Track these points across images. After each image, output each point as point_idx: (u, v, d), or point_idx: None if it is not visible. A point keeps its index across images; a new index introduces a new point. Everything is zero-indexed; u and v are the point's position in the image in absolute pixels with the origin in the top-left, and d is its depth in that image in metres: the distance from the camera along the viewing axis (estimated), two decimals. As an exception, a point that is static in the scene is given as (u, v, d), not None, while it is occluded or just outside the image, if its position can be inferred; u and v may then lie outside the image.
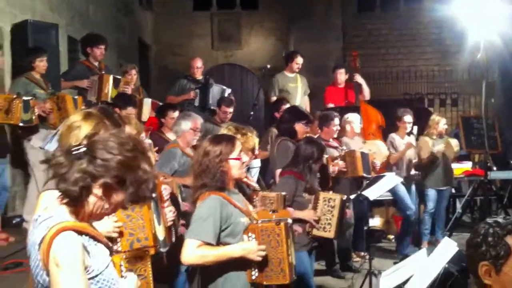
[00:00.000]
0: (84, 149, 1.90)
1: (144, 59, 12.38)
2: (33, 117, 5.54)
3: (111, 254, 2.06)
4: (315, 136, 5.87)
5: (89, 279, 1.87)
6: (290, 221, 3.25)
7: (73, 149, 1.91)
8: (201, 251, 2.95)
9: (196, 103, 7.69)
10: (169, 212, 3.56)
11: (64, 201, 1.91)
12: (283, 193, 4.03)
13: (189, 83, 7.86)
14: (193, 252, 2.95)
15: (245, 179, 4.05)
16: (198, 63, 8.00)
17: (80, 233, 1.89)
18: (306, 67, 8.41)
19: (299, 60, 8.15)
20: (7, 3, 6.68)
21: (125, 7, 11.45)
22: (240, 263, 3.03)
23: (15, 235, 5.08)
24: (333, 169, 5.69)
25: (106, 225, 3.01)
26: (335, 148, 6.28)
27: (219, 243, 3.01)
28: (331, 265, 6.36)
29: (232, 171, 3.14)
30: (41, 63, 5.97)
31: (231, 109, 6.96)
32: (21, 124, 5.43)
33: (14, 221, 5.98)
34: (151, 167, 1.99)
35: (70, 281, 1.80)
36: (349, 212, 5.18)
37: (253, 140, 4.02)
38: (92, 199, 1.92)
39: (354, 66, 8.36)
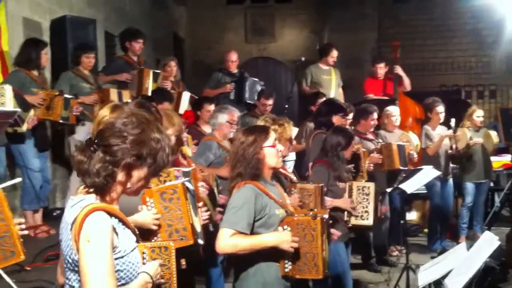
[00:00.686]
0: (95, 141, 1.97)
1: (179, 53, 12.47)
2: (71, 116, 5.67)
3: (137, 241, 2.13)
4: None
5: (115, 259, 1.94)
6: (326, 217, 3.23)
7: (86, 144, 1.99)
8: (234, 240, 2.97)
9: (232, 96, 7.72)
10: (204, 213, 3.59)
11: (91, 190, 1.99)
12: (321, 184, 4.03)
13: (224, 76, 7.89)
14: (227, 241, 2.98)
15: (282, 170, 4.06)
16: (233, 57, 8.02)
17: (110, 214, 1.96)
18: (339, 58, 8.34)
19: (335, 53, 8.10)
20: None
21: (160, 1, 11.57)
22: (273, 255, 3.05)
23: (56, 227, 5.19)
24: (369, 163, 5.64)
25: (146, 218, 3.07)
26: (371, 141, 6.24)
27: (252, 233, 3.03)
28: (367, 259, 6.33)
29: (267, 159, 3.15)
30: (87, 60, 6.14)
31: (270, 101, 6.98)
32: (60, 121, 5.56)
33: (54, 214, 6.13)
34: (162, 133, 2.07)
35: (98, 257, 1.86)
36: (384, 207, 5.14)
37: (290, 130, 4.03)
38: (117, 183, 2.01)
39: (394, 57, 8.22)
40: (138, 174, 2.02)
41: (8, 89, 4.82)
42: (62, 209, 6.16)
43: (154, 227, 3.07)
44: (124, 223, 2.05)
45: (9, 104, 4.76)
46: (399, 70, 8.02)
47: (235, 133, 5.17)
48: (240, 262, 3.12)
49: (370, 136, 6.33)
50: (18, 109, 4.69)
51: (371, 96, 7.97)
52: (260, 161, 3.12)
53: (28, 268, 4.21)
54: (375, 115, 6.25)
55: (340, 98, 7.87)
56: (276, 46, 14.00)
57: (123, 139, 1.96)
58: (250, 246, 2.99)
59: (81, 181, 2.03)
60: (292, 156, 6.69)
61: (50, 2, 6.87)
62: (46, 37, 6.60)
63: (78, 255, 1.89)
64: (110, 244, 1.90)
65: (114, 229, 1.95)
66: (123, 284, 1.97)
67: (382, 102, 7.33)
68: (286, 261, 3.06)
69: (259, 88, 7.79)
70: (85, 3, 7.90)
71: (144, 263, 2.14)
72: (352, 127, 6.10)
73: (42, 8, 6.71)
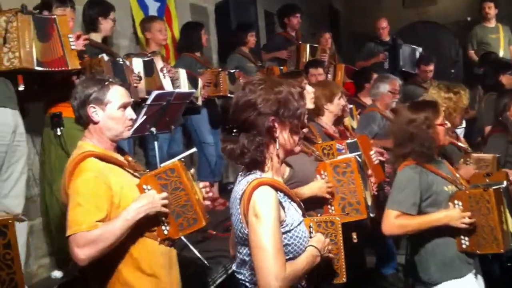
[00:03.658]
0: (231, 125, 2.00)
1: (335, 25, 12.39)
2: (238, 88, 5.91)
3: (303, 215, 2.13)
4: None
5: (283, 233, 1.95)
6: (504, 184, 3.03)
7: (226, 134, 2.02)
8: (401, 221, 2.91)
9: (386, 65, 7.53)
10: (372, 184, 3.58)
11: (251, 167, 2.02)
12: (497, 155, 3.80)
13: (377, 46, 7.72)
14: (393, 222, 2.92)
15: (454, 141, 3.90)
16: (383, 24, 7.81)
17: (276, 188, 1.98)
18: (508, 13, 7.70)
19: (492, 10, 7.49)
20: (210, -16, 7.19)
21: (314, -26, 11.53)
22: (448, 231, 2.92)
23: (231, 200, 5.52)
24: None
25: (321, 186, 3.16)
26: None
27: (421, 213, 2.94)
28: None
29: (439, 137, 3.03)
30: (252, 38, 6.44)
31: (431, 67, 6.71)
32: (229, 95, 5.75)
33: (229, 188, 6.50)
34: (282, 84, 2.02)
35: (267, 232, 1.88)
36: None
37: (466, 98, 3.79)
38: (270, 152, 2.02)
39: None
40: (283, 130, 2.00)
41: (182, 73, 5.18)
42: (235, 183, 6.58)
43: (328, 196, 3.16)
44: (290, 197, 2.07)
45: (184, 86, 5.14)
46: None
47: (398, 107, 5.04)
48: (415, 237, 3.04)
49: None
50: (194, 90, 5.04)
51: None
52: (433, 140, 2.98)
53: (213, 232, 4.49)
54: None
55: (512, 56, 7.30)
56: (436, 8, 13.24)
57: (252, 108, 1.96)
58: (418, 226, 2.91)
59: None
60: (462, 123, 6.38)
61: (214, -13, 7.23)
62: (211, 21, 6.98)
63: (247, 229, 1.94)
64: (278, 218, 1.92)
65: (280, 203, 1.97)
66: (290, 258, 1.98)
67: None
68: (462, 237, 2.92)
69: (418, 55, 7.49)
70: (245, -16, 8.15)
71: (311, 237, 2.13)
72: None
73: (207, -7, 7.08)
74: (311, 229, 2.19)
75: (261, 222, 1.89)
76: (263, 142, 1.98)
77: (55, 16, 3.48)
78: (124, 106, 2.55)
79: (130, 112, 2.58)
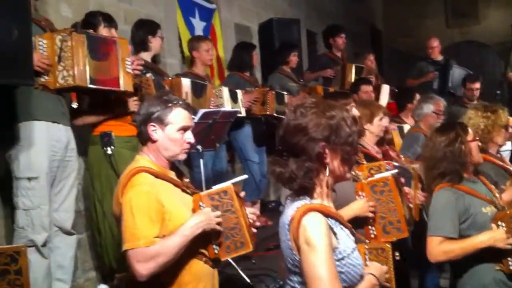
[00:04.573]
0: (281, 148, 1.95)
1: (376, 44, 12.37)
2: (284, 109, 5.94)
3: (355, 242, 2.05)
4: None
5: (336, 261, 1.88)
6: None
7: (276, 156, 1.97)
8: (445, 246, 2.86)
9: (435, 85, 7.45)
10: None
11: (300, 192, 1.97)
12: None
13: (428, 64, 7.65)
14: (437, 249, 2.87)
15: (500, 162, 3.83)
16: (434, 43, 7.74)
17: (326, 214, 1.92)
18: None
19: None
20: (253, 4, 7.31)
21: (357, -6, 11.60)
22: (488, 254, 2.85)
23: (272, 219, 5.51)
24: None
25: (363, 206, 3.14)
26: None
27: (462, 236, 2.88)
28: None
29: (472, 153, 2.99)
30: (294, 58, 6.46)
31: (477, 85, 6.60)
32: (275, 114, 5.78)
33: (270, 206, 6.53)
34: (335, 108, 1.96)
35: (321, 260, 1.82)
36: None
37: (505, 116, 3.70)
38: (320, 178, 1.95)
39: None
40: (333, 157, 1.93)
41: (225, 91, 5.25)
42: (276, 202, 6.59)
43: (371, 214, 3.14)
44: (341, 222, 2.00)
45: (227, 105, 5.20)
46: None
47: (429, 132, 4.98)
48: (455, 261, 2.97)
49: None
50: (239, 109, 5.09)
51: None
52: (466, 157, 2.95)
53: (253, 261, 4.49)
54: None
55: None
56: (480, 28, 13.08)
57: (302, 133, 1.90)
58: (462, 250, 2.85)
59: None
60: (507, 145, 6.25)
61: (257, 7, 7.35)
62: (255, 40, 7.07)
63: (298, 255, 1.89)
64: (329, 244, 1.86)
65: (331, 229, 1.91)
66: (345, 287, 1.91)
67: None
68: (509, 258, 2.85)
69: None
70: (287, 4, 8.27)
71: (366, 265, 2.08)
72: None
73: (251, 13, 7.20)
74: (366, 256, 2.16)
75: (313, 250, 1.83)
76: (312, 168, 1.91)
77: (116, 39, 3.58)
78: (184, 129, 2.60)
79: (189, 136, 2.62)
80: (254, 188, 5.75)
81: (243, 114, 5.41)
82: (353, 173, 3.32)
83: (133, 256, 2.33)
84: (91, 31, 3.62)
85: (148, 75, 4.16)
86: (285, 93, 5.96)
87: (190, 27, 6.03)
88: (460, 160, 2.94)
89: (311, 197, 1.96)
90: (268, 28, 7.07)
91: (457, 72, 7.43)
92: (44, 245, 3.30)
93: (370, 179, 3.23)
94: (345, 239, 1.97)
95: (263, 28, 7.18)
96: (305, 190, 1.95)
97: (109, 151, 3.71)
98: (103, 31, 3.86)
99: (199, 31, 6.09)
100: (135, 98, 3.89)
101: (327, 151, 1.91)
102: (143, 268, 2.32)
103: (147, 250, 2.32)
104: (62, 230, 3.53)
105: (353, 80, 6.62)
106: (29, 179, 3.26)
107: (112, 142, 3.73)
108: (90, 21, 3.89)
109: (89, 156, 3.93)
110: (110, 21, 3.96)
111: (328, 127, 1.91)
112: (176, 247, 2.36)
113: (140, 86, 3.93)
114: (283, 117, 6.08)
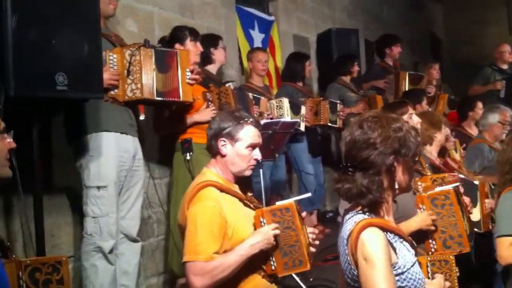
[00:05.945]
0: (348, 164, 1.94)
1: (436, 53, 12.16)
2: (338, 120, 5.94)
3: (416, 255, 2.03)
4: None
5: (396, 275, 1.87)
6: None
7: (341, 172, 1.97)
8: None
9: (502, 94, 7.21)
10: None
11: (365, 209, 1.96)
12: None
13: (494, 72, 7.42)
14: (507, 251, 2.83)
15: None
16: (505, 47, 7.48)
17: (384, 229, 1.90)
18: None
19: None
20: (312, 15, 7.34)
21: (417, 2, 11.43)
22: None
23: (330, 228, 5.51)
24: None
25: (425, 219, 3.09)
26: None
27: None
28: None
29: None
30: (356, 68, 6.45)
31: None
32: (329, 124, 5.81)
33: (327, 216, 6.53)
34: (398, 120, 1.98)
35: (380, 276, 1.81)
36: None
37: None
38: (386, 191, 1.95)
39: None
40: (401, 170, 1.95)
41: (286, 102, 5.29)
42: (333, 211, 6.57)
43: (433, 227, 3.09)
44: (401, 236, 1.99)
45: (287, 115, 5.24)
46: None
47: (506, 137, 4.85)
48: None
49: None
50: (298, 120, 5.13)
51: None
52: None
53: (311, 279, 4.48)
54: None
55: None
56: (546, 35, 12.65)
57: (372, 147, 1.91)
58: None
59: None
60: None
61: (315, 18, 7.38)
62: (312, 51, 7.10)
63: (356, 270, 1.88)
64: (388, 260, 1.85)
65: (391, 244, 1.90)
66: None
67: None
68: None
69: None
70: (345, 14, 8.26)
71: (428, 277, 2.06)
72: None
73: (309, 25, 7.23)
74: (428, 268, 2.16)
75: (372, 266, 1.82)
76: (382, 181, 1.92)
77: (177, 51, 3.69)
78: (253, 146, 2.67)
79: (257, 153, 2.69)
80: (308, 200, 5.74)
81: (302, 129, 5.45)
82: (413, 185, 3.30)
83: (191, 269, 2.42)
84: (177, 45, 3.82)
85: (228, 85, 4.26)
86: (338, 102, 5.95)
87: (250, 39, 6.13)
88: None
89: (377, 212, 1.96)
90: (326, 38, 7.09)
91: (524, 82, 7.19)
92: (111, 251, 3.41)
93: (430, 192, 3.19)
94: (405, 253, 1.95)
95: (321, 38, 7.21)
96: (374, 205, 1.95)
97: (188, 157, 3.90)
98: (189, 44, 4.05)
99: (258, 43, 6.17)
100: (213, 107, 4.02)
101: (396, 163, 1.93)
102: (199, 282, 2.40)
103: (205, 265, 2.40)
104: (128, 237, 3.63)
105: (407, 88, 6.52)
106: (98, 188, 3.37)
107: (191, 148, 3.91)
108: (177, 35, 4.08)
109: (173, 162, 4.11)
110: (195, 35, 4.14)
111: (397, 140, 1.92)
112: (232, 265, 2.43)
113: (218, 95, 4.05)
114: (336, 126, 6.06)
